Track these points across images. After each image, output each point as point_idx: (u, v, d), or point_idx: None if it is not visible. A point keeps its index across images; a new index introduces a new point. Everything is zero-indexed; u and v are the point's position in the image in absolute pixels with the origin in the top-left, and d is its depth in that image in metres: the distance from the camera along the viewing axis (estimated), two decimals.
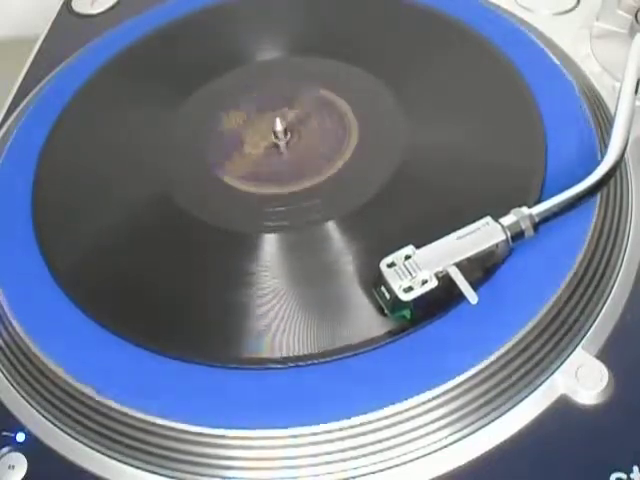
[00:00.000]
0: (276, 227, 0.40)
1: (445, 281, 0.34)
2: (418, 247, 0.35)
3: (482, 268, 0.36)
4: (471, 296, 0.34)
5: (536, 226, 0.36)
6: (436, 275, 0.34)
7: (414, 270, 0.34)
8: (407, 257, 0.35)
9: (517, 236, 0.36)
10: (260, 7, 0.54)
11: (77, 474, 0.35)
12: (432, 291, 0.34)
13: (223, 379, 0.35)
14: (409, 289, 0.34)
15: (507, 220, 0.36)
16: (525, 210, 0.36)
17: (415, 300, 0.34)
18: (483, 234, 0.36)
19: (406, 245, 0.35)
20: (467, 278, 0.34)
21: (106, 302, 0.39)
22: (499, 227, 0.36)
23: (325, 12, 0.53)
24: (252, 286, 0.38)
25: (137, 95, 0.50)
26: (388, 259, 0.35)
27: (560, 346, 0.35)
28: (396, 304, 0.35)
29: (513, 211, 0.36)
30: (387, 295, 0.35)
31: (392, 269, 0.35)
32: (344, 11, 0.53)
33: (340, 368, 0.35)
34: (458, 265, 0.35)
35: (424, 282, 0.34)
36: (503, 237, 0.35)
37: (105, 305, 0.39)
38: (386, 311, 0.35)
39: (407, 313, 0.35)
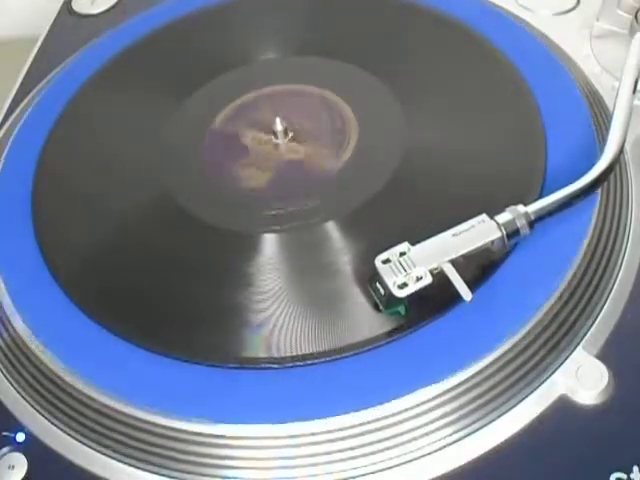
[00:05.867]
0: (276, 227, 0.40)
1: (440, 278, 0.34)
2: (415, 244, 0.35)
3: (478, 266, 0.36)
4: (465, 293, 0.34)
5: (532, 224, 0.36)
6: (431, 272, 0.34)
7: (409, 267, 0.35)
8: (402, 254, 0.35)
9: (513, 234, 0.36)
10: (260, 7, 0.54)
11: (77, 474, 0.35)
12: (427, 288, 0.34)
13: (223, 379, 0.35)
14: (403, 285, 0.34)
15: (502, 218, 0.36)
16: (521, 208, 0.36)
17: (410, 296, 0.34)
18: (478, 231, 0.36)
19: None
20: (462, 275, 0.34)
21: (106, 302, 0.39)
22: (494, 224, 0.36)
23: (324, 12, 0.53)
24: (252, 286, 0.38)
25: (137, 95, 0.50)
26: (383, 255, 0.35)
27: (560, 346, 0.35)
28: (390, 300, 0.35)
29: (509, 209, 0.36)
30: (382, 291, 0.35)
31: (387, 265, 0.35)
32: (344, 11, 0.52)
33: (339, 368, 0.35)
34: (453, 262, 0.35)
35: (419, 279, 0.34)
36: (498, 234, 0.35)
37: (105, 305, 0.39)
38: (380, 307, 0.35)
39: (401, 309, 0.35)
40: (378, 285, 0.35)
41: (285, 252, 0.40)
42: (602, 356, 0.35)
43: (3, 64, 0.54)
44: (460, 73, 0.47)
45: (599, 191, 0.39)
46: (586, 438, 0.33)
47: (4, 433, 0.36)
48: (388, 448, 0.33)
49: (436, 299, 0.35)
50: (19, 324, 0.39)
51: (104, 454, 0.35)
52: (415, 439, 0.33)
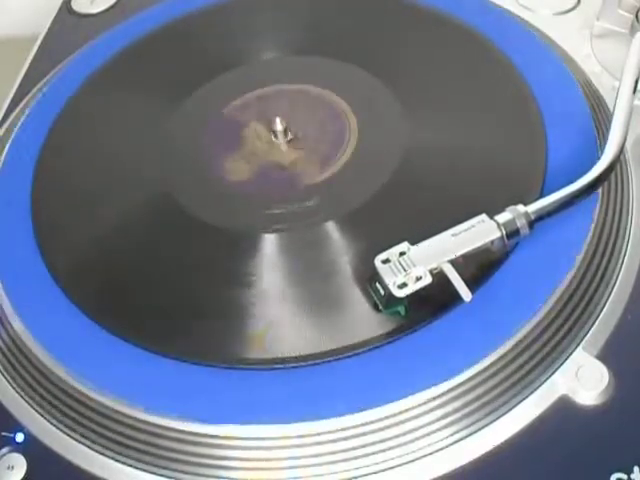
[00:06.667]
0: (276, 227, 0.40)
1: (440, 278, 0.34)
2: (414, 244, 0.35)
3: (478, 266, 0.36)
4: (465, 293, 0.34)
5: (532, 224, 0.36)
6: (430, 272, 0.34)
7: (408, 266, 0.34)
8: (402, 253, 0.35)
9: (512, 234, 0.36)
10: (260, 7, 0.54)
11: (76, 474, 0.35)
12: (427, 288, 0.34)
13: (223, 379, 0.35)
14: (403, 285, 0.34)
15: (502, 217, 0.36)
16: (521, 208, 0.36)
17: (409, 296, 0.34)
18: (478, 231, 0.36)
19: None
20: (462, 275, 0.34)
21: (106, 302, 0.39)
22: (494, 224, 0.36)
23: (324, 11, 0.53)
24: (251, 286, 0.38)
25: (137, 95, 0.50)
26: (383, 255, 0.35)
27: (560, 346, 0.35)
28: (390, 300, 0.35)
29: (509, 209, 0.36)
30: (381, 291, 0.35)
31: (387, 265, 0.35)
32: (344, 10, 0.52)
33: (340, 368, 0.35)
34: (452, 262, 0.35)
35: (418, 278, 0.34)
36: (498, 234, 0.35)
37: (105, 305, 0.39)
38: (380, 307, 0.35)
39: (401, 309, 0.35)
40: (378, 285, 0.35)
41: (285, 252, 0.39)
42: (602, 357, 0.35)
43: (3, 64, 0.54)
44: (460, 73, 0.46)
45: (599, 191, 0.39)
46: (586, 438, 0.33)
47: (3, 433, 0.36)
48: (389, 448, 0.33)
49: (436, 299, 0.35)
50: (18, 324, 0.38)
51: (103, 454, 0.35)
52: (416, 439, 0.33)
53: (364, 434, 0.33)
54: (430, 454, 0.33)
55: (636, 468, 0.32)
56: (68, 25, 0.58)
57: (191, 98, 0.48)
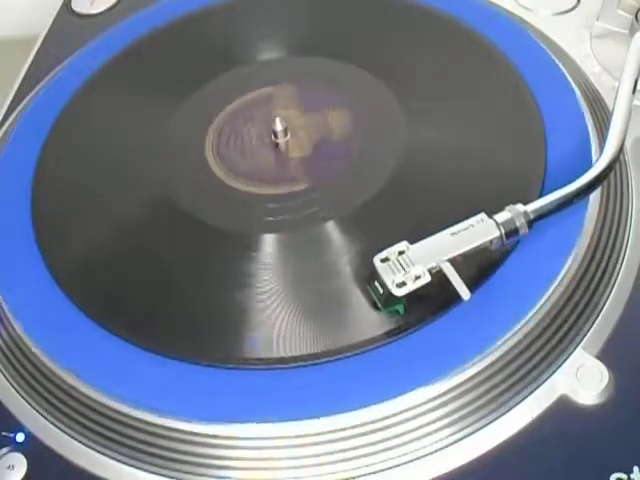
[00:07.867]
0: (276, 227, 0.40)
1: (439, 277, 0.34)
2: (414, 243, 0.35)
3: (477, 265, 0.36)
4: (464, 292, 0.34)
5: (531, 223, 0.36)
6: (429, 271, 0.34)
7: (407, 265, 0.35)
8: (401, 252, 0.35)
9: (511, 233, 0.36)
10: (259, 7, 0.54)
11: (77, 474, 0.35)
12: (426, 287, 0.34)
13: (222, 379, 0.35)
14: (402, 284, 0.34)
15: (501, 217, 0.36)
16: (520, 207, 0.36)
17: (408, 295, 0.34)
18: (477, 230, 0.36)
19: None
20: (461, 274, 0.34)
21: (106, 302, 0.39)
22: (493, 224, 0.36)
23: (324, 11, 0.53)
24: (251, 286, 0.38)
25: (137, 95, 0.50)
26: (382, 254, 0.35)
27: (560, 346, 0.35)
28: (389, 299, 0.35)
29: (508, 208, 0.36)
30: (380, 290, 0.35)
31: (386, 264, 0.35)
32: (344, 10, 0.52)
33: (340, 368, 0.35)
34: (451, 261, 0.35)
35: (417, 277, 0.34)
36: (497, 234, 0.35)
37: (105, 305, 0.39)
38: (379, 306, 0.35)
39: (400, 308, 0.35)
40: (377, 284, 0.35)
41: (285, 252, 0.40)
42: (602, 356, 0.35)
43: (3, 64, 0.54)
44: (460, 73, 0.47)
45: (599, 190, 0.39)
46: (586, 438, 0.33)
47: (4, 433, 0.36)
48: (389, 448, 0.33)
49: (435, 298, 0.35)
50: (18, 324, 0.39)
51: (103, 454, 0.35)
52: (416, 439, 0.33)
53: (364, 434, 0.33)
54: (430, 454, 0.33)
55: (636, 468, 0.32)
56: (68, 25, 0.58)
57: (191, 98, 0.49)
